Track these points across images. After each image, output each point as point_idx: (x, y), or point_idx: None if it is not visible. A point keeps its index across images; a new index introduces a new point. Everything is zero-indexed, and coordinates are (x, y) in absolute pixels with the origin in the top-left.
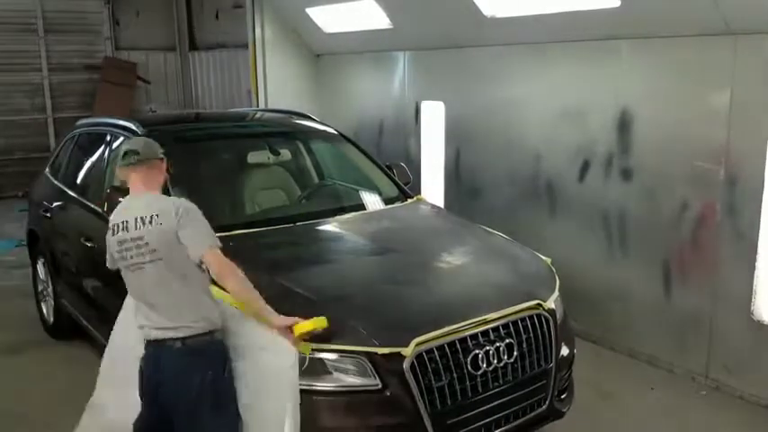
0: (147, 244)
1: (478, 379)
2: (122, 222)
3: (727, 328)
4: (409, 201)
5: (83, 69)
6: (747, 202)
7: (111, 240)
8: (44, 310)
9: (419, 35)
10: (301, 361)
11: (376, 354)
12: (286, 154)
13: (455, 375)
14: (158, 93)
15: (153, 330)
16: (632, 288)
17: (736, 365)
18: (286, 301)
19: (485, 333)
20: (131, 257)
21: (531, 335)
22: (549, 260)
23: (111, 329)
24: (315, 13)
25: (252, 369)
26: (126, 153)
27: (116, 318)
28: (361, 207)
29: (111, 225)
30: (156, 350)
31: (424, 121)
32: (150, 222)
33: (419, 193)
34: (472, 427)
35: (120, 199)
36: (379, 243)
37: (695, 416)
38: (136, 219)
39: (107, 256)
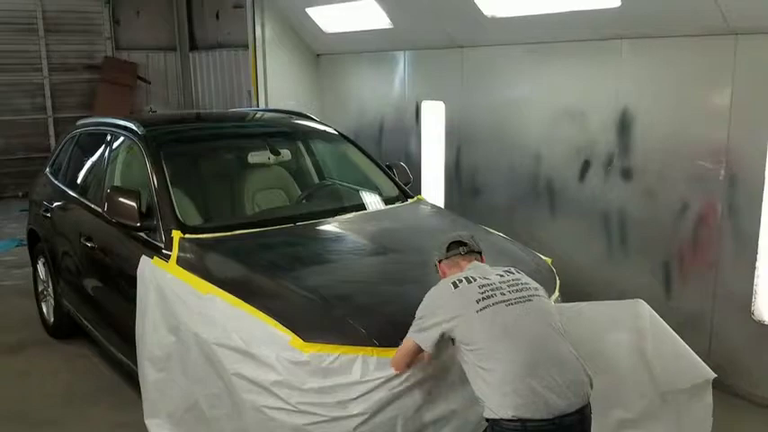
0: None
1: None
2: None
3: (728, 328)
4: (409, 201)
5: (83, 69)
6: (748, 201)
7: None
8: (44, 310)
9: (419, 35)
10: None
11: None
12: (286, 154)
13: None
14: (158, 93)
15: None
16: (632, 288)
17: (736, 365)
18: (286, 302)
19: None
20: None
21: None
22: (549, 260)
23: (114, 330)
24: (315, 12)
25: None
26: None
27: (116, 318)
28: (362, 207)
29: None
30: None
31: (425, 121)
32: None
33: (419, 192)
34: None
35: (121, 199)
36: (380, 243)
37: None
38: None
39: None
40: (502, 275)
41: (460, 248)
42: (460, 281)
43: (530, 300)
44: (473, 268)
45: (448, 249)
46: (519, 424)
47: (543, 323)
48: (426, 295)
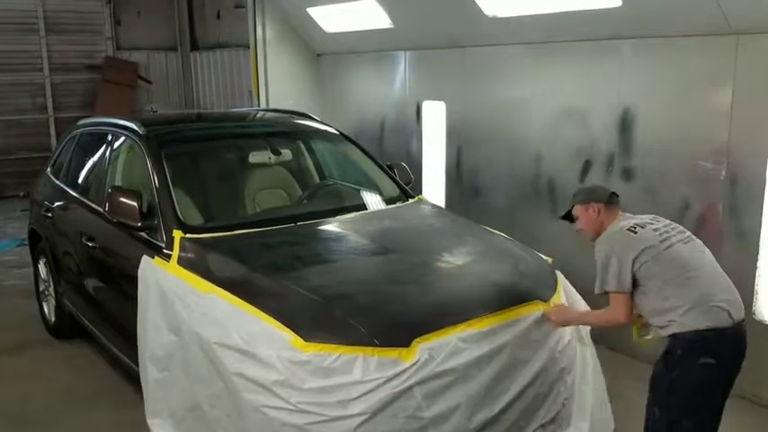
0: None
1: None
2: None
3: None
4: (410, 201)
5: (84, 69)
6: (749, 201)
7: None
8: (45, 310)
9: (420, 35)
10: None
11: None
12: (287, 154)
13: None
14: (159, 93)
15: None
16: None
17: None
18: (287, 301)
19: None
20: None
21: None
22: (550, 260)
23: (115, 330)
24: (316, 12)
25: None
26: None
27: (117, 318)
28: (363, 207)
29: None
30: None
31: (426, 121)
32: None
33: (420, 192)
34: None
35: (122, 199)
36: (381, 243)
37: None
38: None
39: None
40: (659, 221)
41: (617, 199)
42: (634, 227)
43: (691, 240)
44: (628, 218)
45: (610, 197)
46: (712, 333)
47: (710, 257)
48: (604, 250)
